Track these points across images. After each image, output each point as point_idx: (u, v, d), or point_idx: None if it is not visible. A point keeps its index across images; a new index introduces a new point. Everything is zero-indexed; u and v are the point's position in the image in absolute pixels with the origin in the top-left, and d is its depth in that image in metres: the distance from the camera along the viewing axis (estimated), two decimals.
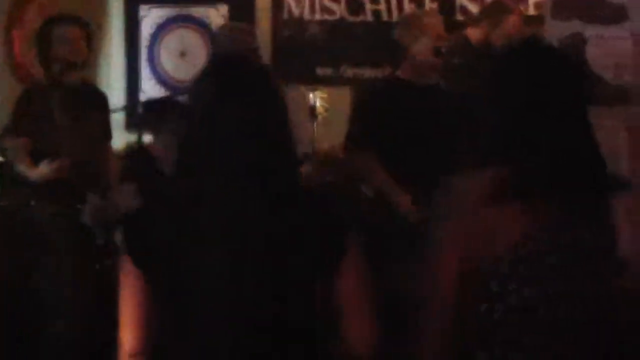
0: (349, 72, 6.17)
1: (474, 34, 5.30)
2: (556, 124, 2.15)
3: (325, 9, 6.22)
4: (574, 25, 4.20)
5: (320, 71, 6.21)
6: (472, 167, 2.31)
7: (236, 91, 2.03)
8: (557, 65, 2.22)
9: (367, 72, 6.04)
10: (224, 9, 6.35)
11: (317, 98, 4.81)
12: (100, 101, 4.77)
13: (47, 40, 4.58)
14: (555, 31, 3.92)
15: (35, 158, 4.48)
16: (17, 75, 5.65)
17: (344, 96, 6.03)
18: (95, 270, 4.44)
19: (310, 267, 2.04)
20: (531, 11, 5.78)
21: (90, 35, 4.70)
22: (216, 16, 6.34)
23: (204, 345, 2.03)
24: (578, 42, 3.91)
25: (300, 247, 2.02)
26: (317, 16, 6.24)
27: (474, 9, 5.82)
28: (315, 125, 4.81)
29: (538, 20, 5.19)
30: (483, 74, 2.38)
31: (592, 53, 4.12)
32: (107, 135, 4.83)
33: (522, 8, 5.62)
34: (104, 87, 6.35)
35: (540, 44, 2.39)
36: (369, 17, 6.05)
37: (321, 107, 4.81)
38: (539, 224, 2.11)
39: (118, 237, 4.24)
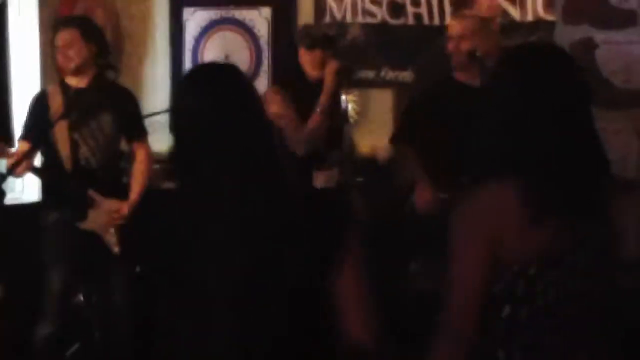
0: (390, 74, 6.15)
1: None
2: (557, 127, 2.14)
3: (367, 12, 6.23)
4: (584, 30, 4.16)
5: (362, 74, 6.22)
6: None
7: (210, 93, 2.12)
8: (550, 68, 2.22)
9: (408, 75, 6.03)
10: (267, 11, 6.39)
11: (348, 102, 4.80)
12: (116, 100, 4.59)
13: (53, 46, 4.55)
14: (566, 36, 3.89)
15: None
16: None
17: (385, 99, 6.06)
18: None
19: (311, 265, 2.07)
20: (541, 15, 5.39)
21: (92, 35, 4.51)
22: (259, 18, 6.40)
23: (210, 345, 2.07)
24: (588, 47, 3.88)
25: (298, 245, 2.05)
26: (359, 19, 6.25)
27: (514, 12, 5.73)
28: (348, 128, 4.80)
29: (548, 25, 4.97)
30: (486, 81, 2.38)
31: (602, 57, 4.08)
32: (131, 133, 4.68)
33: None
34: (149, 89, 6.47)
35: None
36: (410, 20, 6.03)
37: (353, 111, 4.82)
38: (562, 225, 2.10)
39: None
